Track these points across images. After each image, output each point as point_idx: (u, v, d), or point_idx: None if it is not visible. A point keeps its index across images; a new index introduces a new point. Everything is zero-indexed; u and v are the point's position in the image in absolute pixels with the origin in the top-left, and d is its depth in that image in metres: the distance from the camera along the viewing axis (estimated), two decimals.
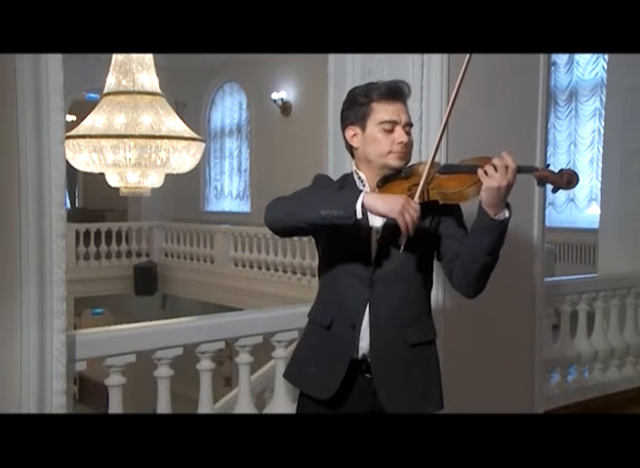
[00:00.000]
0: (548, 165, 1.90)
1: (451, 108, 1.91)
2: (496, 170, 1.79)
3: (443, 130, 1.94)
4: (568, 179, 1.84)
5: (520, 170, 1.84)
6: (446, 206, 1.94)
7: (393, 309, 1.96)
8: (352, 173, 2.05)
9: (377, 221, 1.96)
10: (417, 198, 1.86)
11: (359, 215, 1.79)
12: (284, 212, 1.91)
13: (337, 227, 1.83)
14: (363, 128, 1.98)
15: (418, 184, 1.89)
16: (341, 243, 1.96)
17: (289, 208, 1.90)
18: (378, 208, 1.79)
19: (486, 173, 1.80)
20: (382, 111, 1.95)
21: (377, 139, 1.96)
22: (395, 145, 1.94)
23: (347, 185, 2.03)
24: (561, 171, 1.85)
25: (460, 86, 1.90)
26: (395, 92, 1.96)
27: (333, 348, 1.98)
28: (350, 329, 1.96)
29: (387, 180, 1.97)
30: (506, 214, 1.84)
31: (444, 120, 1.94)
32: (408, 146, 1.97)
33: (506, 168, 1.79)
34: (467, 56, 1.89)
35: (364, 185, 2.00)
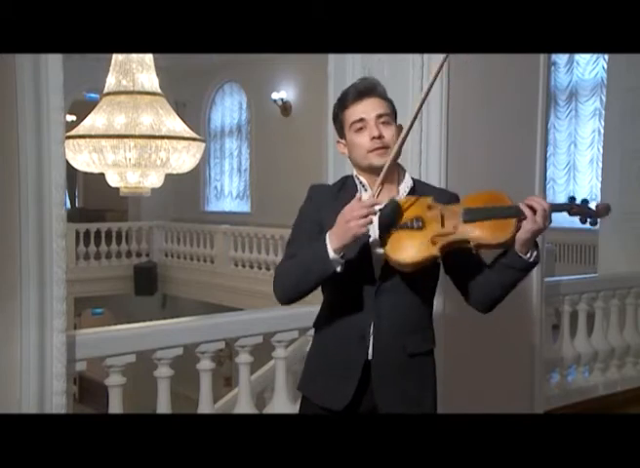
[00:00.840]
0: (586, 200, 1.89)
1: (418, 110, 1.89)
2: (534, 212, 1.79)
3: (406, 134, 1.89)
4: (603, 211, 1.88)
5: (555, 209, 1.87)
6: None
7: (395, 319, 1.95)
8: (354, 176, 2.04)
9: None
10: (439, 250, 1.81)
11: (340, 263, 1.82)
12: (289, 293, 1.96)
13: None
14: (345, 137, 1.99)
15: (442, 235, 1.82)
16: (348, 262, 1.94)
17: (289, 286, 1.95)
18: (344, 242, 1.80)
19: (533, 211, 1.80)
20: (350, 114, 1.94)
21: (354, 143, 1.95)
22: (369, 142, 1.92)
23: (346, 189, 2.02)
24: (596, 206, 1.86)
25: (430, 89, 1.91)
26: (361, 90, 1.94)
27: (344, 359, 1.98)
28: (360, 340, 1.95)
29: (390, 229, 1.86)
30: (534, 253, 1.85)
31: (409, 124, 1.88)
32: (385, 140, 1.92)
33: (544, 211, 1.80)
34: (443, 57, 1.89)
35: (365, 190, 1.98)
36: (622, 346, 4.21)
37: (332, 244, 1.81)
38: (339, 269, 1.83)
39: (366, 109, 1.92)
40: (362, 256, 1.92)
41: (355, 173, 2.02)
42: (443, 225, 1.83)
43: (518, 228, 1.81)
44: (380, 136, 1.91)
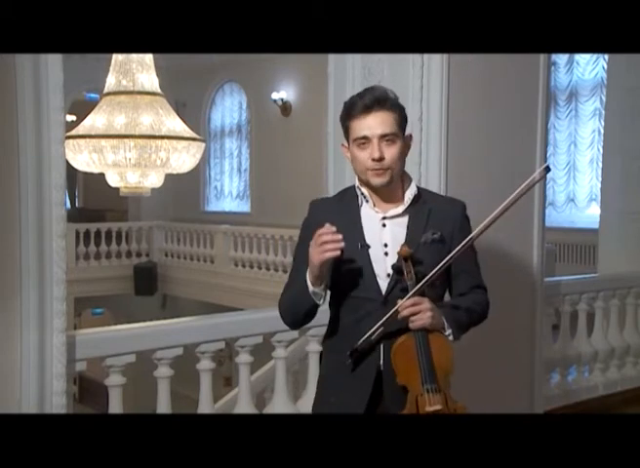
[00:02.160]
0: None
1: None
2: (414, 314, 1.85)
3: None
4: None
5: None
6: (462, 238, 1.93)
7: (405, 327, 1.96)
8: (355, 187, 2.02)
9: (386, 237, 1.95)
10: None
11: (321, 295, 1.92)
12: (290, 323, 2.08)
13: (343, 267, 1.94)
14: (349, 147, 1.97)
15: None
16: (349, 276, 1.96)
17: (289, 319, 2.06)
18: (313, 272, 1.87)
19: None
20: (355, 128, 1.91)
21: (356, 157, 1.93)
22: (369, 162, 1.89)
23: (346, 200, 2.02)
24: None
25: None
26: (367, 104, 1.89)
27: (356, 370, 1.97)
28: (372, 352, 1.95)
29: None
30: (449, 332, 1.95)
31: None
32: (385, 163, 1.89)
33: (415, 306, 1.85)
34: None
35: (367, 201, 1.98)
36: (622, 346, 4.21)
37: (309, 277, 1.90)
38: (320, 302, 1.92)
39: (371, 126, 1.88)
40: (367, 270, 1.94)
41: (357, 183, 2.02)
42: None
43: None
44: (381, 159, 1.88)
